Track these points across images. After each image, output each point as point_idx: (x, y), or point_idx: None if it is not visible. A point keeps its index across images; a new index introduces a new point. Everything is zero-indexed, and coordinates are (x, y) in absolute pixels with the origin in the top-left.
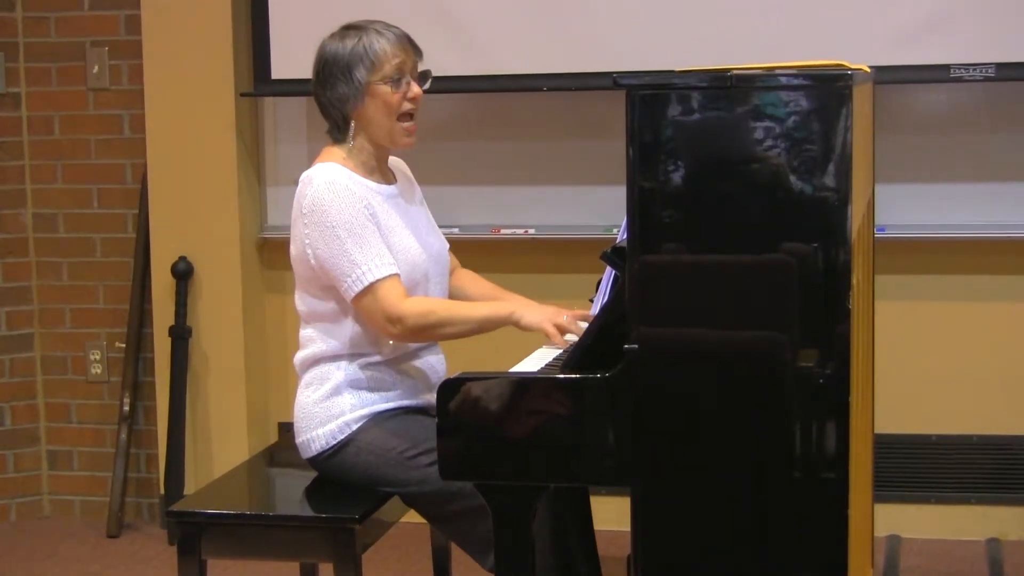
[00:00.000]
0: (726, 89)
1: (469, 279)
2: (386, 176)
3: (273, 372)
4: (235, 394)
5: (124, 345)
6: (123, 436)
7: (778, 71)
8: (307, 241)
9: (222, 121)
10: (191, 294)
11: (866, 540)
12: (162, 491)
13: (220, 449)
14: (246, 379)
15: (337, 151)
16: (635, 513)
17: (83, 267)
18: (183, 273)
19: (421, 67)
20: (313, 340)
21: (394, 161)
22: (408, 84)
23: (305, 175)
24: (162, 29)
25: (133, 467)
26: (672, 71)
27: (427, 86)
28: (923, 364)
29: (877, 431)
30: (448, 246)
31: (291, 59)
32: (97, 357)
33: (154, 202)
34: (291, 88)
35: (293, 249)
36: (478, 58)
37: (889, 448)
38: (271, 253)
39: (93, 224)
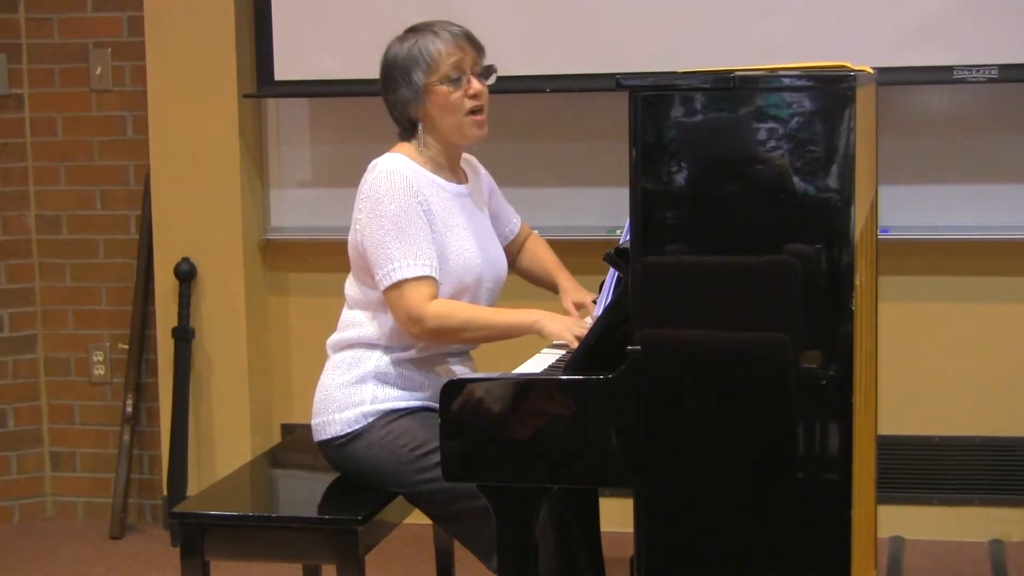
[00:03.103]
0: (729, 90)
1: (532, 253)
2: (457, 175)
3: (276, 373)
4: (238, 395)
5: (127, 346)
6: (126, 437)
7: (781, 72)
8: (358, 227)
9: (225, 122)
10: (194, 295)
11: (869, 541)
12: (165, 492)
13: (223, 450)
14: (249, 380)
15: (408, 145)
16: (638, 514)
17: (86, 268)
18: (186, 274)
19: (485, 63)
20: (353, 324)
21: (469, 160)
22: (469, 82)
23: (373, 163)
24: (165, 30)
25: (136, 468)
26: (675, 72)
27: (491, 81)
28: (926, 365)
29: (880, 432)
30: (519, 221)
31: (294, 60)
32: (100, 358)
33: (157, 203)
34: (294, 89)
35: (350, 234)
36: None
37: (892, 449)
38: (274, 254)
39: (96, 225)
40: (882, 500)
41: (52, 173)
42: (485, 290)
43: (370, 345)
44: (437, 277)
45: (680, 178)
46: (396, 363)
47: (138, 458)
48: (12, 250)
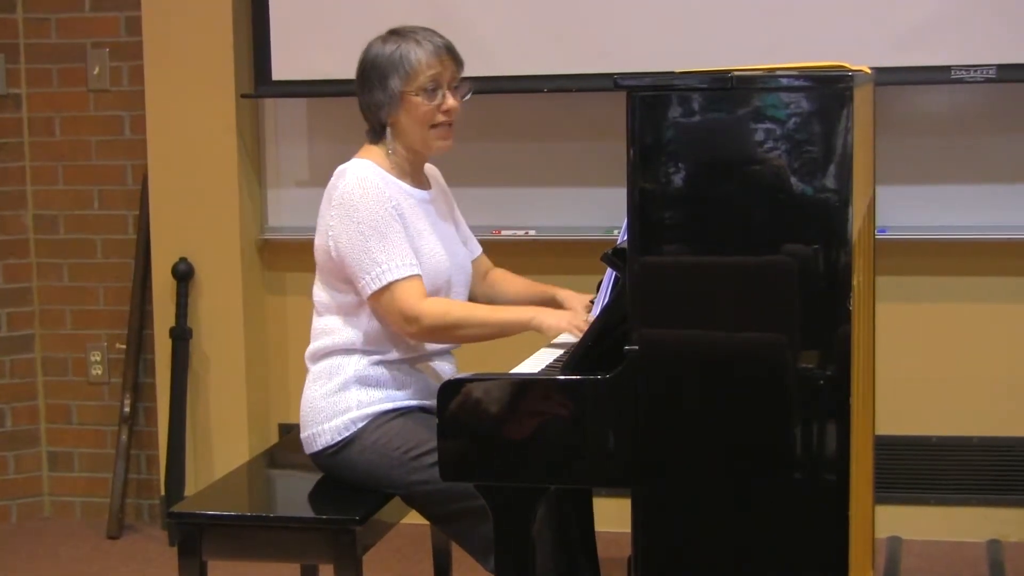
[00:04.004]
0: (727, 90)
1: (504, 279)
2: (420, 181)
3: (273, 373)
4: (235, 395)
5: (125, 346)
6: (123, 437)
7: (779, 72)
8: (331, 233)
9: (223, 122)
10: (192, 295)
11: (867, 542)
12: (163, 492)
13: (220, 450)
14: (246, 380)
15: (375, 150)
16: (636, 514)
17: (84, 268)
18: (184, 274)
19: (462, 77)
20: (327, 332)
21: (430, 169)
22: (443, 96)
23: (340, 168)
24: (163, 30)
25: (133, 468)
26: (672, 72)
27: (466, 97)
28: (924, 366)
29: (878, 432)
30: (481, 250)
31: (292, 60)
32: (98, 358)
33: (155, 203)
34: (292, 89)
35: (317, 239)
36: (479, 60)
37: (890, 449)
38: (272, 254)
39: (94, 225)
40: (880, 500)
41: (50, 173)
42: (456, 293)
43: (347, 350)
44: (422, 276)
45: (678, 178)
46: (377, 365)
47: (136, 458)
48: (10, 250)
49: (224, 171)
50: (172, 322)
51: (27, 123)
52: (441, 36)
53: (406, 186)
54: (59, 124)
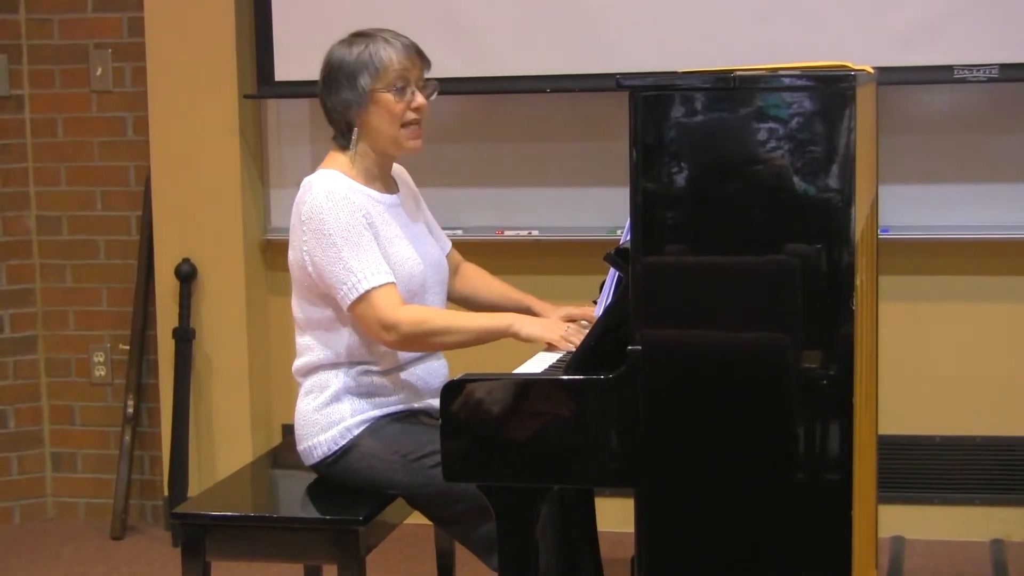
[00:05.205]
0: (729, 90)
1: (480, 279)
2: (388, 185)
3: (277, 374)
4: (239, 396)
5: (128, 347)
6: (127, 438)
7: (781, 72)
8: (305, 248)
9: (225, 123)
10: (195, 296)
11: (870, 541)
12: (166, 493)
13: (224, 451)
14: (250, 381)
15: (341, 158)
16: (639, 515)
17: (87, 269)
18: (187, 275)
19: (427, 77)
20: (311, 348)
21: (397, 170)
22: (412, 94)
23: (306, 181)
24: (165, 31)
25: (137, 469)
26: (675, 72)
27: (433, 97)
28: (927, 365)
29: (881, 432)
30: (451, 245)
31: (294, 61)
32: (101, 359)
33: (157, 204)
34: (294, 90)
35: (291, 255)
36: (481, 60)
37: (893, 449)
38: (275, 255)
39: (97, 226)
40: (883, 500)
41: (53, 174)
42: (432, 294)
43: (333, 365)
44: (398, 284)
45: (680, 178)
46: (364, 374)
47: (139, 459)
48: (13, 251)
49: (227, 172)
50: (175, 323)
51: (30, 124)
52: (406, 36)
53: (374, 192)
54: (62, 125)
